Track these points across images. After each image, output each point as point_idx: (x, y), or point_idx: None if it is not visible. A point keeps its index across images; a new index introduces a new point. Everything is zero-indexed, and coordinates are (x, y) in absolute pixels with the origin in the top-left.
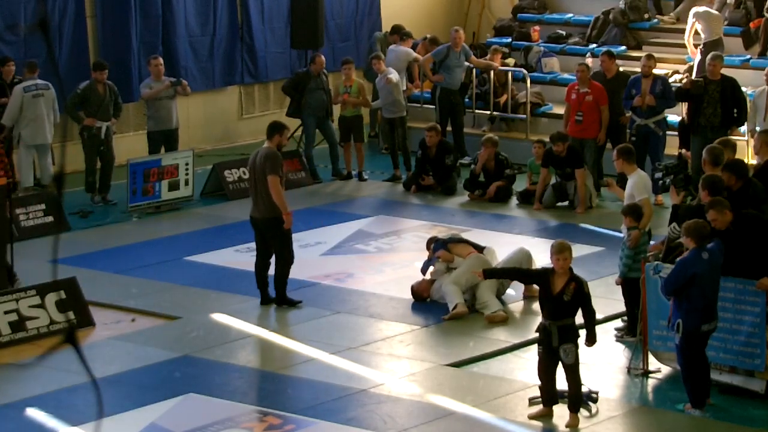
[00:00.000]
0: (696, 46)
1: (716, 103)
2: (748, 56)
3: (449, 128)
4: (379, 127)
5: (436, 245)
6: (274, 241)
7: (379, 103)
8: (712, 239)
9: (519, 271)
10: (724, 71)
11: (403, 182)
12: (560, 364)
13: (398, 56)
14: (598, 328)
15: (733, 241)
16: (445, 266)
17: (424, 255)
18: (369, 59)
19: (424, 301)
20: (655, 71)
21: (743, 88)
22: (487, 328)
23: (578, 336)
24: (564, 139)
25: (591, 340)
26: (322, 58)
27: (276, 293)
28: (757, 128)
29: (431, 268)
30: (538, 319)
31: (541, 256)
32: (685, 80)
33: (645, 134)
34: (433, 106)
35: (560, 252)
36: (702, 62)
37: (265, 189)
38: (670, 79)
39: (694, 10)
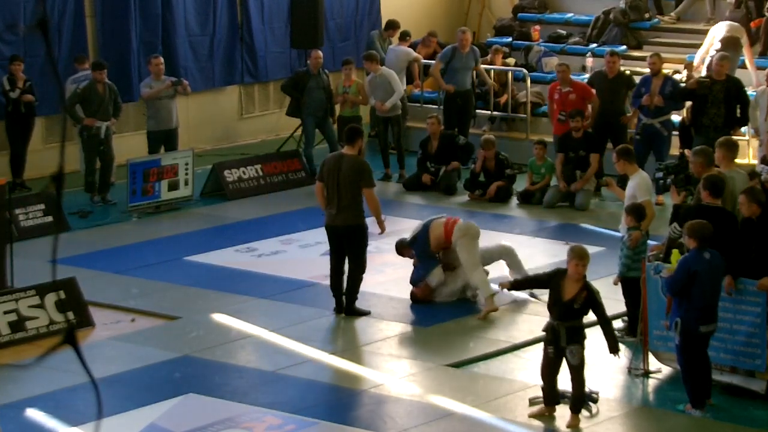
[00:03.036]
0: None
1: (720, 103)
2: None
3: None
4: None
5: (419, 253)
6: (353, 249)
7: (378, 99)
8: (713, 247)
9: (536, 278)
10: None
11: (402, 182)
12: (564, 365)
13: (398, 56)
14: (599, 329)
15: (754, 232)
16: (441, 270)
17: None
18: (362, 58)
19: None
20: (647, 70)
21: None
22: (487, 328)
23: (585, 337)
24: (581, 114)
25: (613, 349)
26: (319, 53)
27: (347, 302)
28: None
29: (432, 279)
30: (539, 320)
31: (541, 256)
32: (691, 80)
33: (650, 134)
34: (434, 106)
35: (581, 258)
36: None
37: (351, 197)
38: None
39: (716, 30)
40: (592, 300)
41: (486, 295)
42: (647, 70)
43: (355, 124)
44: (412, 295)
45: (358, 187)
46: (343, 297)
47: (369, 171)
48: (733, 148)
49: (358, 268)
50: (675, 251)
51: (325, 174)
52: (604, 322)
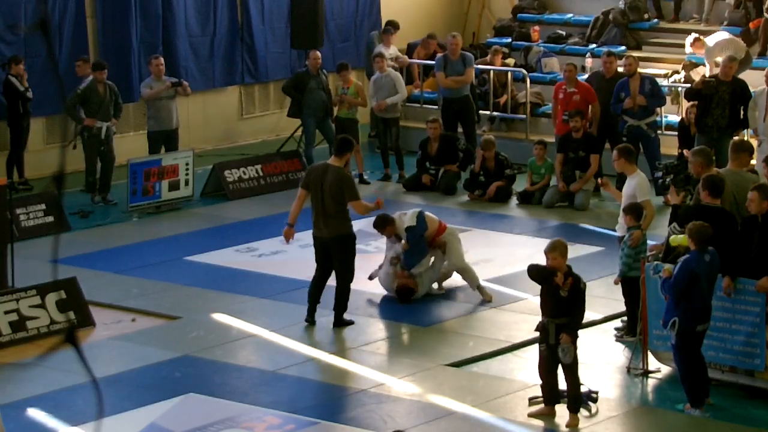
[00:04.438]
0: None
1: (725, 104)
2: None
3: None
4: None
5: (418, 237)
6: (341, 258)
7: (381, 99)
8: (711, 245)
9: (535, 272)
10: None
11: (402, 182)
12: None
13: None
14: (598, 328)
15: (757, 231)
16: (428, 262)
17: None
18: (371, 58)
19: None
20: (647, 71)
21: None
22: (487, 328)
23: (577, 336)
24: (581, 114)
25: (572, 336)
26: (317, 53)
27: (336, 313)
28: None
29: (418, 269)
30: (538, 319)
31: (541, 255)
32: (696, 79)
33: (636, 135)
34: (433, 107)
35: (550, 251)
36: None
37: (336, 208)
38: (670, 79)
39: (714, 43)
40: (576, 287)
41: (477, 284)
42: (647, 71)
43: (348, 136)
44: (404, 289)
45: (342, 198)
46: (316, 306)
47: (352, 183)
48: (737, 151)
49: (346, 278)
50: (682, 238)
51: (311, 183)
52: (579, 310)
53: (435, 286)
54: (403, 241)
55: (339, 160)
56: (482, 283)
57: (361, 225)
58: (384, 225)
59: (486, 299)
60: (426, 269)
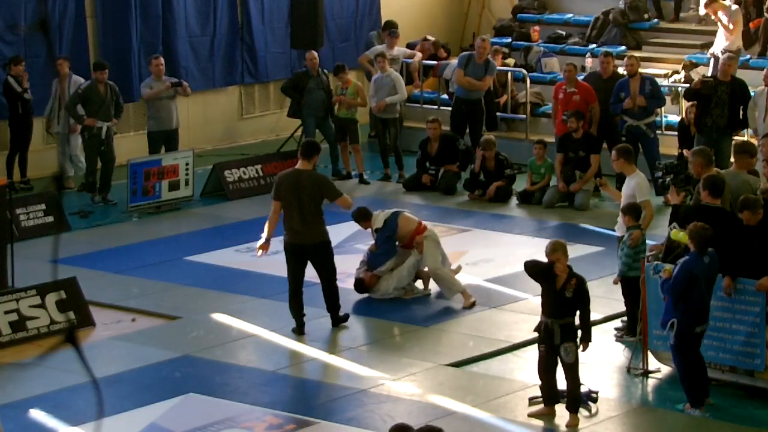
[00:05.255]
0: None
1: (724, 104)
2: (748, 56)
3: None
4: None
5: (385, 239)
6: (324, 263)
7: (372, 102)
8: (711, 245)
9: (534, 268)
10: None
11: (402, 182)
12: (559, 364)
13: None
14: (598, 328)
15: (757, 237)
16: (393, 263)
17: None
18: (374, 57)
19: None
20: (648, 71)
21: None
22: (487, 328)
23: (578, 336)
24: (580, 116)
25: (586, 340)
26: (314, 53)
27: (334, 314)
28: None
29: (383, 270)
30: (538, 319)
31: (541, 256)
32: (695, 79)
33: (635, 135)
34: (433, 107)
35: (552, 252)
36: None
37: (315, 214)
38: (670, 79)
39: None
40: (581, 287)
41: (460, 289)
42: (647, 71)
43: (313, 139)
44: (360, 282)
45: (320, 202)
46: (303, 317)
47: (331, 183)
48: (737, 153)
49: (334, 278)
50: (683, 235)
51: (283, 192)
52: (586, 312)
53: (421, 286)
54: (372, 243)
55: (308, 163)
56: (482, 283)
57: None
58: (359, 219)
59: (465, 305)
60: (392, 269)
